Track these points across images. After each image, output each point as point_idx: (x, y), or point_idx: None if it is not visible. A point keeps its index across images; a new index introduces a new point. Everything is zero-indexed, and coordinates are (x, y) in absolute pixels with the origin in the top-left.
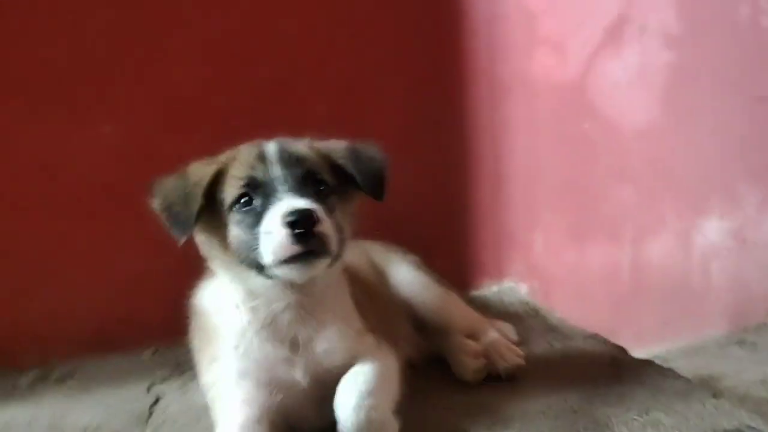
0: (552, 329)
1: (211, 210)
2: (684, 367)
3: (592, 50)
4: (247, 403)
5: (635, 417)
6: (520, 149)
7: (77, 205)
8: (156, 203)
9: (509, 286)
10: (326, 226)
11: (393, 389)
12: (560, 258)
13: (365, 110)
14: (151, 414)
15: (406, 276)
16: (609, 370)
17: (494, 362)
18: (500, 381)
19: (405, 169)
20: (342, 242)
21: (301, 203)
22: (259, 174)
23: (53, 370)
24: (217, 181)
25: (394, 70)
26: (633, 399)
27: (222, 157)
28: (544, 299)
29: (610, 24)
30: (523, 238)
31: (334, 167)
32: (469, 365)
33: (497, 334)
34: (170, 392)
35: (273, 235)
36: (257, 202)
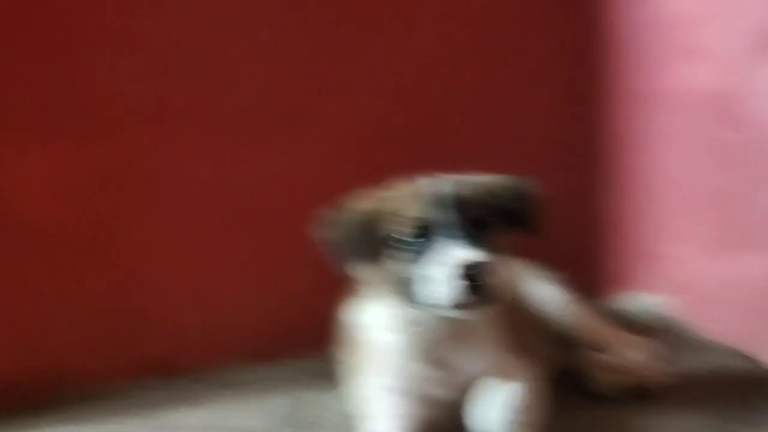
0: (695, 346)
1: (379, 242)
2: None
3: (742, 58)
4: (398, 417)
5: None
6: (657, 156)
7: (238, 221)
8: (322, 236)
9: (653, 301)
10: (495, 278)
11: (542, 407)
12: (707, 271)
13: (514, 132)
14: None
15: (545, 293)
16: (754, 391)
17: (639, 378)
18: (643, 398)
19: (552, 187)
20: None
21: (478, 255)
22: (432, 216)
23: (216, 378)
24: (381, 217)
25: (542, 87)
26: None
27: (386, 194)
28: (690, 314)
29: (763, 28)
30: (657, 249)
31: (497, 206)
32: (610, 379)
33: (642, 350)
34: (311, 397)
35: (440, 270)
36: (425, 236)
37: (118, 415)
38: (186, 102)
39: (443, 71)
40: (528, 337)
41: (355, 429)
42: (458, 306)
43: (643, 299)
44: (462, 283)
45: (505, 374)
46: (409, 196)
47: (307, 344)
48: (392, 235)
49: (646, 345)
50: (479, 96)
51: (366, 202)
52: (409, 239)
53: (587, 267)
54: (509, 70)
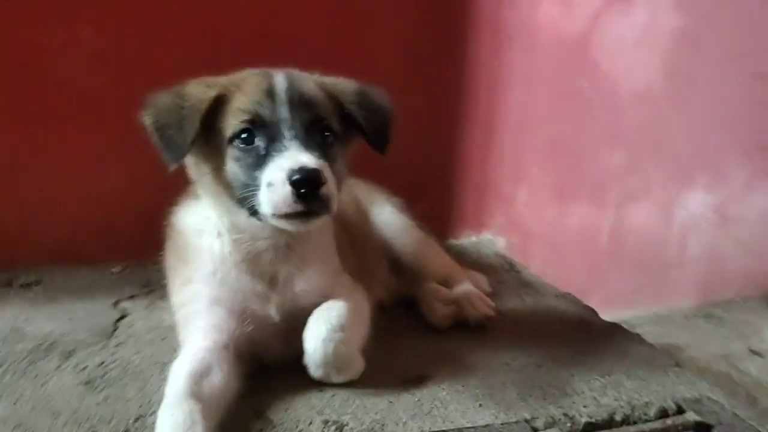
0: (525, 284)
1: (206, 135)
2: (650, 334)
3: (601, 4)
4: (216, 329)
5: (597, 377)
6: (515, 102)
7: (56, 110)
8: (148, 121)
9: (488, 239)
10: (330, 187)
11: (362, 328)
12: (542, 215)
13: (360, 46)
14: (116, 329)
15: (388, 217)
16: (577, 330)
17: (464, 311)
18: (469, 330)
19: (396, 109)
20: (338, 190)
21: (309, 160)
22: (265, 112)
23: (18, 276)
24: (216, 107)
25: (394, 7)
26: (597, 360)
27: (224, 80)
28: (521, 255)
29: None
30: (506, 192)
31: (341, 111)
32: (439, 311)
33: (470, 284)
34: (136, 310)
35: (275, 189)
36: (260, 142)
37: None
38: None
39: None
40: (366, 259)
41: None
42: (287, 215)
43: (485, 237)
44: (290, 190)
45: (332, 294)
46: (244, 87)
47: (135, 250)
48: (228, 129)
49: (478, 280)
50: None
51: (198, 87)
52: (245, 136)
53: (434, 201)
54: None
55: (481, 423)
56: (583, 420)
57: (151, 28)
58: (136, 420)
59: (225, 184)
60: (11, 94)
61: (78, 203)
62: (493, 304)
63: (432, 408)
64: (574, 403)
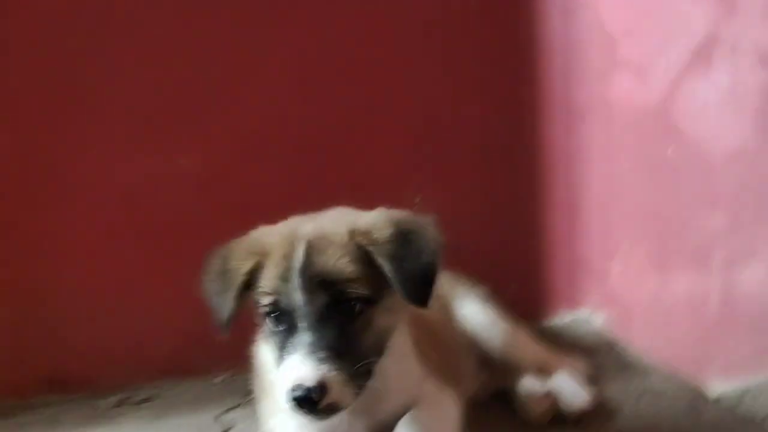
0: (628, 367)
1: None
2: None
3: (678, 72)
4: None
5: None
6: (596, 176)
7: (157, 233)
8: (203, 285)
9: (584, 316)
10: (335, 394)
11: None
12: (640, 287)
13: (441, 139)
14: None
15: (472, 309)
16: (685, 416)
17: (560, 405)
18: (567, 424)
19: (478, 196)
20: (379, 350)
21: (309, 373)
22: (282, 300)
23: (131, 395)
24: (255, 274)
25: (469, 98)
26: None
27: (260, 246)
28: (621, 330)
29: (697, 44)
30: (598, 267)
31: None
32: (534, 408)
33: (567, 372)
34: (240, 421)
35: (283, 394)
36: (283, 326)
37: None
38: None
39: (371, 75)
40: (452, 359)
41: None
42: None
43: (580, 315)
44: (292, 404)
45: (418, 402)
46: (271, 258)
47: (236, 359)
48: (261, 302)
49: (576, 366)
50: (406, 105)
51: (238, 256)
52: (269, 314)
53: (524, 282)
54: (440, 81)
55: None
56: None
57: (239, 156)
58: None
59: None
60: (120, 218)
61: (184, 316)
62: (589, 397)
63: None
64: None
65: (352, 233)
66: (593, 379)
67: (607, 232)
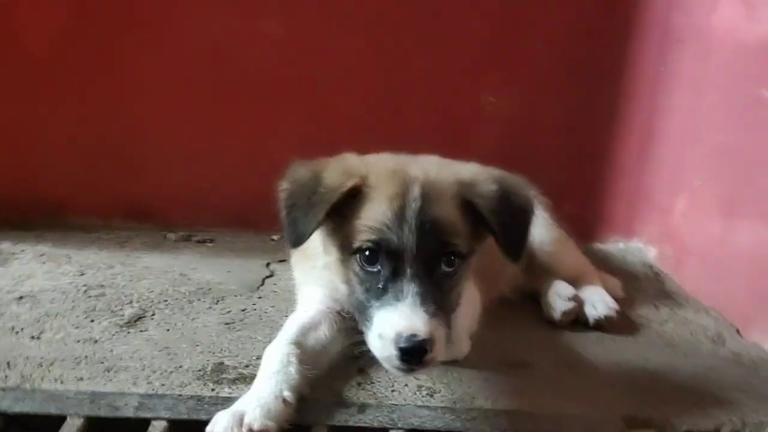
0: (666, 295)
1: (337, 220)
2: None
3: None
4: (332, 299)
5: (714, 392)
6: (680, 108)
7: (239, 91)
8: (282, 195)
9: (637, 247)
10: (438, 350)
11: (470, 318)
12: (703, 229)
13: (521, 47)
14: (261, 285)
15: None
16: (709, 345)
17: (584, 308)
18: (588, 329)
19: (552, 106)
20: (458, 302)
21: (421, 324)
22: (392, 239)
23: (197, 234)
24: (350, 196)
25: (554, 6)
26: (719, 375)
27: (362, 168)
28: (674, 268)
29: None
30: (662, 201)
31: (476, 215)
32: (558, 306)
33: (601, 287)
34: (282, 272)
35: (384, 343)
36: (382, 268)
37: (96, 249)
38: None
39: None
40: (496, 261)
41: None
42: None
43: (634, 245)
44: (396, 354)
45: None
46: (379, 191)
47: None
48: (354, 240)
49: (612, 284)
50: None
51: (335, 174)
52: (364, 251)
53: (582, 203)
54: None
55: (571, 413)
56: (683, 428)
57: (324, 18)
58: (258, 358)
59: (345, 280)
60: (203, 75)
61: (252, 175)
62: (617, 306)
63: (525, 391)
64: (679, 410)
65: (461, 184)
66: (627, 299)
67: (678, 168)
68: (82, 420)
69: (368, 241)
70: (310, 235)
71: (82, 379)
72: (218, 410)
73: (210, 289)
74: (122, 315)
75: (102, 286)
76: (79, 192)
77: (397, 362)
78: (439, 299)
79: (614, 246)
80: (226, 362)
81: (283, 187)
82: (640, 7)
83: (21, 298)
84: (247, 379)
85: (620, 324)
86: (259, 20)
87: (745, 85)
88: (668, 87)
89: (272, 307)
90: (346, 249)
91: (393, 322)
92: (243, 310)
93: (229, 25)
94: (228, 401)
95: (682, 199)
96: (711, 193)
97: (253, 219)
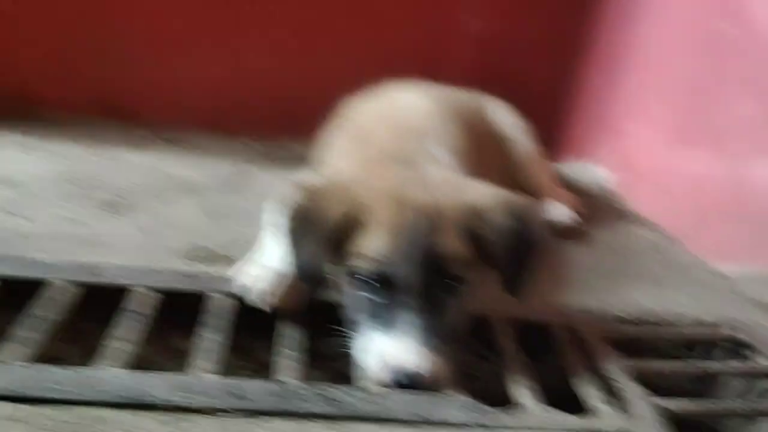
0: (621, 215)
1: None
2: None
3: None
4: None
5: (646, 285)
6: (644, 36)
7: None
8: (284, 228)
9: (592, 169)
10: (442, 380)
11: None
12: (654, 155)
13: None
14: (236, 182)
15: (504, 117)
16: (648, 251)
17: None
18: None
19: (520, 26)
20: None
21: (417, 359)
22: (392, 271)
23: (164, 132)
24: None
25: None
26: (653, 273)
27: (362, 196)
28: (627, 189)
29: None
30: (618, 126)
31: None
32: None
33: (559, 201)
34: (256, 171)
35: (378, 365)
36: (377, 295)
37: (72, 142)
38: None
39: None
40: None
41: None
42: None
43: (587, 166)
44: (388, 380)
45: None
46: (376, 220)
47: (266, 127)
48: (353, 265)
49: (570, 200)
50: None
51: (328, 204)
52: (364, 280)
53: (539, 122)
54: None
55: None
56: (614, 313)
57: None
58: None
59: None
60: None
61: (235, 81)
62: (573, 218)
63: None
64: (612, 300)
65: (468, 212)
66: (584, 215)
67: (637, 94)
68: (65, 284)
69: (367, 271)
70: (310, 269)
71: (64, 251)
72: (202, 285)
73: (184, 183)
74: (102, 201)
75: (77, 176)
76: (50, 84)
77: (386, 382)
78: (442, 330)
79: (571, 166)
80: (209, 245)
81: (288, 212)
82: None
83: None
84: (229, 260)
85: (576, 234)
86: None
87: (706, 18)
88: (634, 14)
89: (247, 201)
90: (343, 258)
91: (386, 349)
92: (221, 203)
93: None
94: (213, 279)
95: (637, 125)
96: (665, 122)
97: (225, 122)
